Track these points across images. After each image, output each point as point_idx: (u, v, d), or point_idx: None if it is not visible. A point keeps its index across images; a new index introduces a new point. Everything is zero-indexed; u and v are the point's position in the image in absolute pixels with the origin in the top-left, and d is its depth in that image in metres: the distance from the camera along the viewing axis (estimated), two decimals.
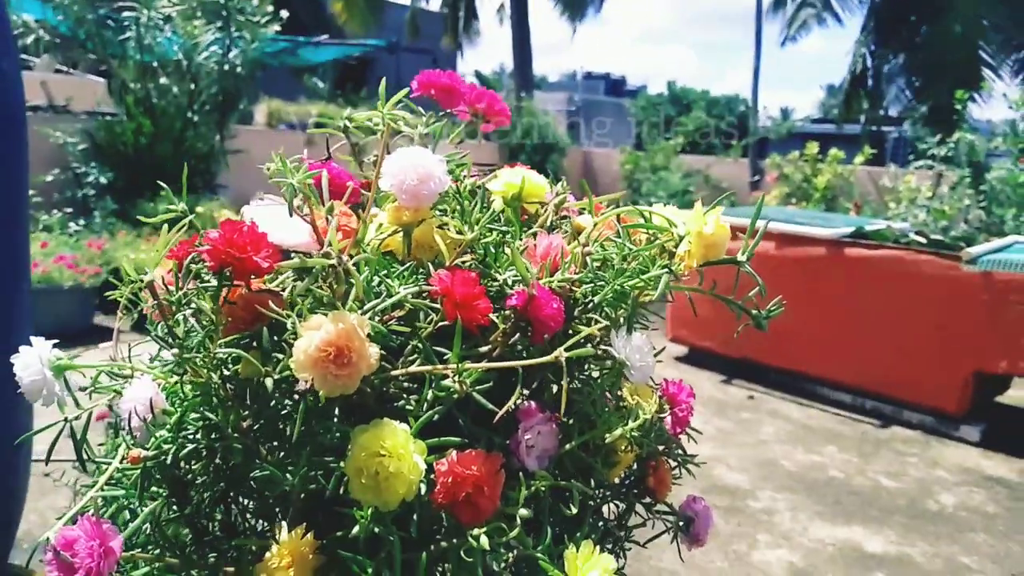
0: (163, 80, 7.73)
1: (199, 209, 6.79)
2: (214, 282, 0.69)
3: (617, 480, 0.83)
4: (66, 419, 0.74)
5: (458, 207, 0.79)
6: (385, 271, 0.72)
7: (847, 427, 4.72)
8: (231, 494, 0.76)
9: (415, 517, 0.64)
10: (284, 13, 8.12)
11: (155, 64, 7.77)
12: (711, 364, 5.54)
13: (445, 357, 0.66)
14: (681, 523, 0.87)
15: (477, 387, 0.64)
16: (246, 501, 0.77)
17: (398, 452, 0.61)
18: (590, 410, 0.74)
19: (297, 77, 15.72)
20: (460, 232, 0.74)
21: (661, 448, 0.84)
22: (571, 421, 0.75)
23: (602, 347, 0.71)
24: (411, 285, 0.69)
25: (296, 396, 0.68)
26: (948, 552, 3.32)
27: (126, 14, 7.33)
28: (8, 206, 2.00)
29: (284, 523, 0.67)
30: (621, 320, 0.74)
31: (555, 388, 0.76)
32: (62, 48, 8.74)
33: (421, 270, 0.72)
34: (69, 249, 5.39)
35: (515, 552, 0.64)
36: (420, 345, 0.67)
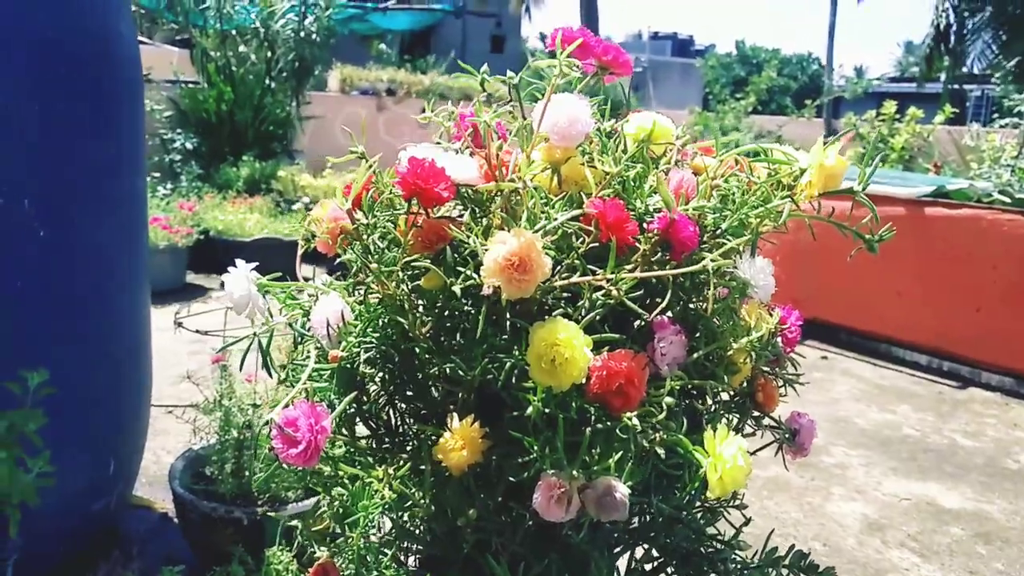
0: (242, 48, 7.98)
1: (280, 173, 7.05)
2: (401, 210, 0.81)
3: (727, 396, 0.94)
4: (255, 333, 0.87)
5: (598, 148, 0.89)
6: (544, 201, 0.83)
7: (922, 387, 4.69)
8: (396, 399, 0.89)
9: (573, 404, 0.75)
10: None
11: (234, 32, 8.01)
12: None
13: (596, 273, 0.77)
14: (787, 435, 0.97)
15: (628, 295, 0.75)
16: (405, 406, 0.90)
17: (570, 342, 0.73)
18: (712, 324, 0.84)
19: (364, 44, 15.88)
20: (604, 166, 0.85)
21: (770, 366, 0.94)
22: (697, 335, 0.86)
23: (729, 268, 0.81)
24: (568, 212, 0.80)
25: (470, 305, 0.79)
26: None
27: None
28: (134, 156, 2.19)
29: (455, 414, 0.80)
30: (742, 248, 0.84)
31: (679, 307, 0.86)
32: (141, 19, 9.06)
33: (573, 201, 0.83)
34: (161, 212, 5.69)
35: (660, 434, 0.75)
36: (575, 263, 0.78)
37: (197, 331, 2.42)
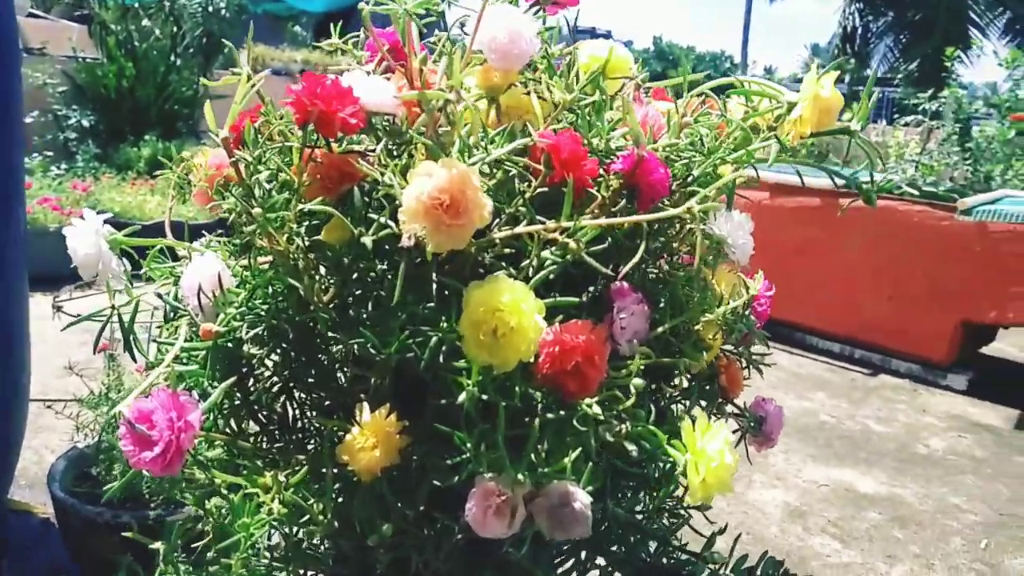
0: (145, 22, 7.51)
1: (184, 154, 6.66)
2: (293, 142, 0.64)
3: (686, 381, 0.80)
4: (113, 307, 0.69)
5: (542, 75, 0.74)
6: (482, 134, 0.67)
7: (836, 375, 4.78)
8: (292, 386, 0.72)
9: (516, 389, 0.60)
10: None
11: (136, 5, 7.54)
12: None
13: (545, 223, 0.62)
14: (752, 424, 0.85)
15: (589, 250, 0.60)
16: (303, 395, 0.74)
17: (518, 307, 0.57)
18: (679, 292, 0.70)
19: (278, 25, 15.33)
20: (556, 94, 0.69)
21: (736, 344, 0.81)
22: (661, 305, 0.72)
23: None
24: (510, 144, 0.65)
25: (385, 264, 0.63)
26: (938, 493, 3.38)
27: None
28: (8, 126, 1.93)
29: (365, 405, 0.64)
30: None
31: (639, 273, 0.72)
32: None
33: (515, 137, 0.67)
34: (53, 192, 5.26)
35: (627, 425, 0.60)
36: (518, 211, 0.63)
37: (78, 316, 2.16)
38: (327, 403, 0.73)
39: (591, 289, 0.69)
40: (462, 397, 0.57)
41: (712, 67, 39.29)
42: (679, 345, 0.71)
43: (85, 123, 7.07)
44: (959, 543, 2.95)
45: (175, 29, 7.60)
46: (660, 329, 0.70)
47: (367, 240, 0.59)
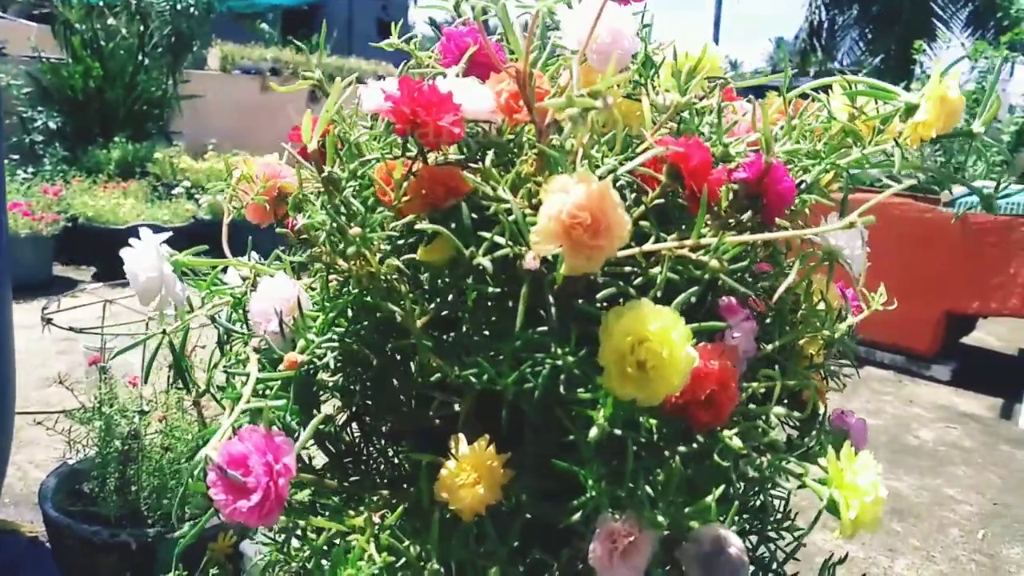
0: (111, 21, 7.32)
1: (157, 156, 6.51)
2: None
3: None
4: (164, 331, 0.63)
5: (646, 76, 0.69)
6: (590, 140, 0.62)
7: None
8: (362, 414, 0.67)
9: (640, 420, 0.55)
10: None
11: (101, 4, 7.35)
12: None
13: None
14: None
15: (734, 266, 0.55)
16: (368, 419, 0.68)
17: (668, 336, 0.52)
18: (784, 308, 0.66)
19: (243, 23, 15.10)
20: (668, 96, 0.64)
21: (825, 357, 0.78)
22: (767, 321, 0.68)
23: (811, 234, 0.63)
24: (623, 155, 0.60)
25: (493, 285, 0.58)
26: (933, 484, 3.42)
27: None
28: None
29: (461, 436, 0.58)
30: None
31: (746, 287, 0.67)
32: None
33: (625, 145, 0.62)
34: (22, 196, 5.10)
35: (767, 457, 0.56)
36: (641, 224, 0.58)
37: (71, 328, 2.08)
38: (398, 431, 0.68)
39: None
40: (593, 433, 0.52)
41: None
42: (783, 363, 0.67)
43: (52, 125, 6.88)
44: (957, 534, 2.97)
45: (142, 28, 7.43)
46: (770, 347, 0.66)
47: (485, 262, 0.53)
